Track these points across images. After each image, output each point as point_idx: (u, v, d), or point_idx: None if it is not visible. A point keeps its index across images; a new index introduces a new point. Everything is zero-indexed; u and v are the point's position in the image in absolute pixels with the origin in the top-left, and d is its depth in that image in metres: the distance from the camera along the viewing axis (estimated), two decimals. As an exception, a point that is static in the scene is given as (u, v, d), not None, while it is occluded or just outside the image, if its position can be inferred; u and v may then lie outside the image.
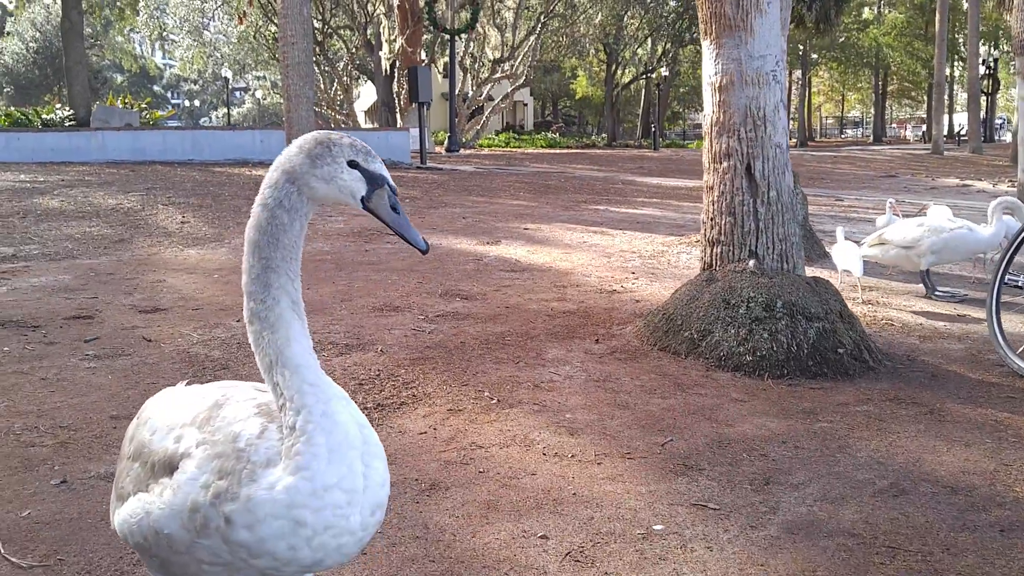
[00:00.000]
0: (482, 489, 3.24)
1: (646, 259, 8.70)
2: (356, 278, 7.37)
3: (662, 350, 5.14)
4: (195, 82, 71.73)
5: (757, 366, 4.72)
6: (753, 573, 2.66)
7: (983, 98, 43.31)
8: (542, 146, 38.95)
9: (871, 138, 62.59)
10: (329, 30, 37.57)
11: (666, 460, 3.54)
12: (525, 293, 6.84)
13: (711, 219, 5.56)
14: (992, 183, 19.98)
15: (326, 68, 37.39)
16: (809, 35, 33.10)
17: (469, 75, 37.22)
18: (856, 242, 7.01)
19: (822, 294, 5.04)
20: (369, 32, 35.79)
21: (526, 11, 39.69)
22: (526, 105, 56.11)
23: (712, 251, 5.55)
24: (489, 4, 36.20)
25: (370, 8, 35.09)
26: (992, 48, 51.40)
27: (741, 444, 3.72)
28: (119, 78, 65.36)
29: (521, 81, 38.85)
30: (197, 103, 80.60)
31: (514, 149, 36.29)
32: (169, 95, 79.30)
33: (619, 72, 52.26)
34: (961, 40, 48.68)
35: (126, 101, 27.65)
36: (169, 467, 1.68)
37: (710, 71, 5.49)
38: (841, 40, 49.50)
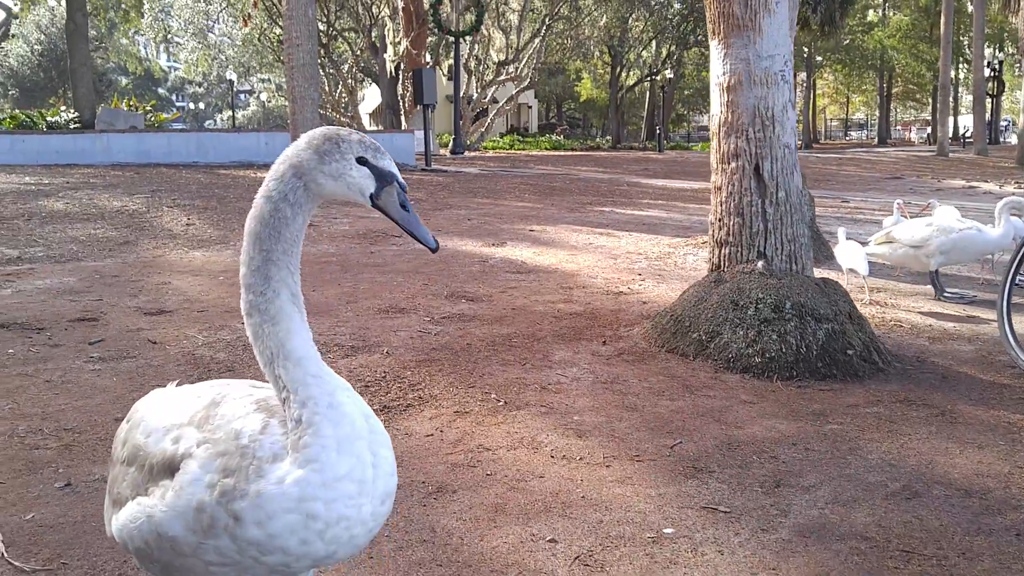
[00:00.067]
0: (490, 492, 3.21)
1: (652, 260, 8.67)
2: (361, 280, 7.34)
3: (670, 352, 5.11)
4: (200, 85, 71.87)
5: (766, 368, 4.69)
6: (765, 577, 2.62)
7: (988, 100, 43.21)
8: (546, 148, 38.92)
9: (876, 140, 62.51)
10: (334, 32, 37.60)
11: (675, 462, 3.51)
12: (531, 295, 6.80)
13: (719, 220, 5.53)
14: (998, 184, 19.91)
15: (331, 70, 37.39)
16: (814, 37, 33.04)
17: (473, 77, 37.26)
18: (862, 243, 6.98)
19: (831, 295, 5.00)
20: (374, 34, 35.82)
21: (531, 13, 39.70)
22: (530, 107, 56.11)
23: (720, 252, 5.52)
24: (494, 6, 36.23)
25: (375, 10, 35.14)
26: (997, 50, 51.29)
27: (751, 446, 3.68)
28: (124, 80, 65.51)
29: (526, 83, 38.83)
30: (202, 106, 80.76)
31: (518, 151, 36.27)
32: (174, 98, 79.46)
33: (623, 74, 52.23)
34: (966, 42, 48.59)
35: (131, 104, 27.68)
36: (169, 469, 1.65)
37: (718, 71, 5.45)
38: (846, 42, 49.42)
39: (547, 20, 38.08)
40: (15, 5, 41.00)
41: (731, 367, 4.77)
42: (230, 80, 51.81)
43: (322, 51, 31.71)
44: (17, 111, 27.30)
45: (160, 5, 40.89)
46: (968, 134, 47.02)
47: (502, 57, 38.33)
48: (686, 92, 57.54)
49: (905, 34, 52.70)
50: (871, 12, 56.14)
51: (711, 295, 5.17)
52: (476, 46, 36.64)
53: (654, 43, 49.91)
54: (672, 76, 48.66)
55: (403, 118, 30.70)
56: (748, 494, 3.20)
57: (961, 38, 48.41)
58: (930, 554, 2.75)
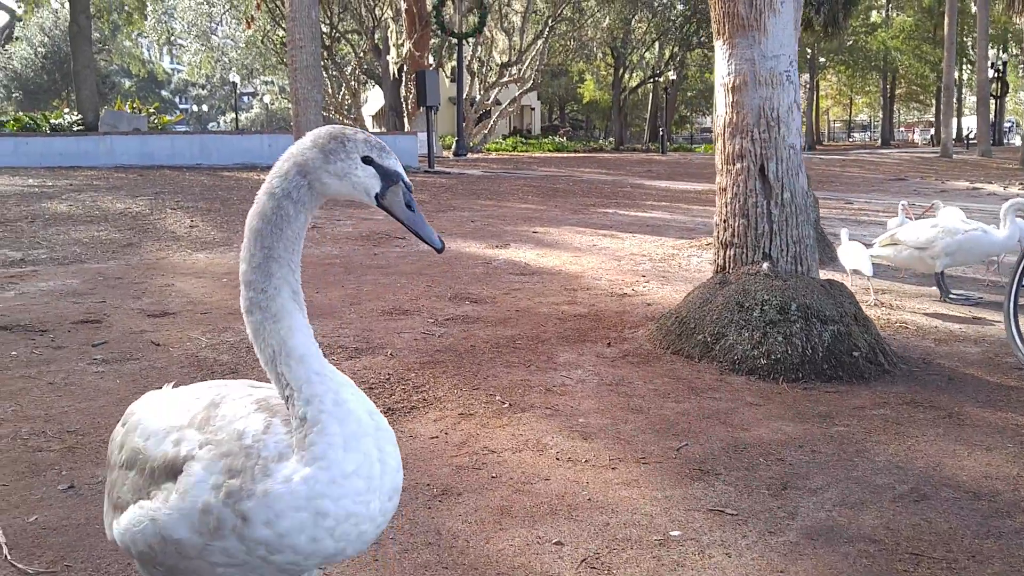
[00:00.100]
0: (495, 494, 3.19)
1: (656, 262, 8.65)
2: (365, 282, 7.33)
3: (675, 353, 5.08)
4: (203, 87, 71.90)
5: (772, 369, 4.66)
6: (773, 581, 2.60)
7: (992, 101, 43.14)
8: (549, 150, 38.89)
9: (879, 142, 62.41)
10: (337, 34, 37.61)
11: (682, 465, 3.49)
12: (535, 296, 6.79)
13: (724, 221, 5.51)
14: (1002, 186, 19.88)
15: (334, 73, 37.43)
16: (817, 38, 33.02)
17: (477, 79, 37.24)
18: (866, 244, 6.96)
19: (837, 297, 4.98)
20: (377, 36, 35.81)
21: (534, 15, 39.69)
22: (533, 109, 56.11)
23: (725, 253, 5.49)
24: (497, 8, 36.22)
25: (378, 12, 35.13)
26: (1001, 51, 51.23)
27: (757, 448, 3.66)
28: (127, 83, 65.57)
29: (528, 85, 38.80)
30: (205, 108, 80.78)
31: (521, 153, 36.27)
32: (177, 100, 79.57)
33: (626, 76, 52.20)
34: (970, 43, 48.46)
35: (134, 106, 27.68)
36: (172, 471, 1.64)
37: (723, 71, 5.43)
38: (849, 43, 49.36)
39: (550, 22, 38.04)
40: (18, 7, 41.08)
41: (736, 369, 4.75)
42: (233, 82, 51.80)
43: (325, 53, 31.76)
44: (21, 113, 27.36)
45: (163, 7, 40.91)
46: (972, 135, 46.95)
47: (505, 59, 38.31)
48: (689, 94, 57.49)
49: (908, 35, 52.59)
50: (874, 13, 56.04)
51: (716, 297, 5.15)
52: (479, 48, 36.57)
53: (657, 44, 49.88)
54: (675, 78, 48.60)
55: (406, 120, 30.69)
56: (755, 496, 3.18)
57: (965, 39, 48.29)
58: (939, 557, 2.73)
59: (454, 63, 31.07)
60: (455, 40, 28.81)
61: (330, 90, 36.97)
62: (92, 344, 5.19)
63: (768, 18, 5.21)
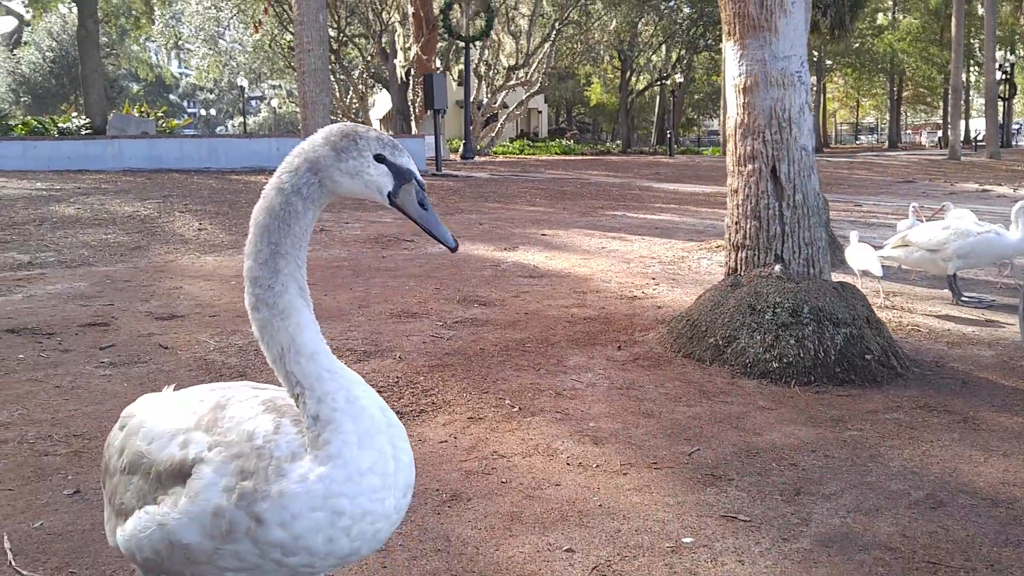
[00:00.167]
0: (505, 500, 3.15)
1: (666, 265, 8.60)
2: (373, 284, 7.30)
3: (686, 357, 5.04)
4: (211, 91, 72.08)
5: (784, 373, 4.62)
6: (789, 588, 2.56)
7: (1000, 103, 42.93)
8: (556, 153, 38.86)
9: (886, 144, 62.17)
10: (344, 38, 37.61)
11: (693, 470, 3.45)
12: (544, 299, 6.75)
13: (736, 223, 5.46)
14: (1012, 188, 19.76)
15: (341, 76, 37.42)
16: (824, 41, 32.85)
17: (484, 82, 37.18)
18: (875, 247, 6.91)
19: (849, 299, 4.93)
20: (384, 40, 35.82)
21: (540, 18, 39.62)
22: (540, 112, 56.04)
23: (737, 255, 5.45)
24: (504, 11, 36.21)
25: (385, 16, 35.13)
26: (1009, 53, 51.00)
27: (770, 453, 3.62)
28: (135, 87, 65.71)
29: (535, 88, 38.78)
30: (213, 112, 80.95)
31: (528, 156, 36.25)
32: (185, 104, 79.71)
33: (633, 79, 52.13)
34: (977, 45, 48.34)
35: (142, 110, 27.77)
36: (179, 475, 1.61)
37: (734, 72, 5.39)
38: (856, 46, 49.21)
39: (557, 25, 38.00)
40: (27, 12, 41.22)
41: (748, 372, 4.70)
42: (241, 86, 51.89)
43: (333, 57, 31.74)
44: (29, 117, 27.43)
45: (171, 12, 40.97)
46: (980, 137, 46.77)
47: (512, 62, 38.24)
48: (696, 96, 57.44)
49: (915, 37, 52.41)
50: (881, 15, 55.88)
51: (728, 299, 5.11)
52: (486, 51, 36.57)
53: (664, 47, 49.80)
54: (682, 80, 48.50)
55: (414, 123, 30.70)
56: (768, 502, 3.14)
57: (972, 41, 48.14)
58: (957, 566, 2.68)
59: (461, 67, 31.10)
60: (462, 44, 28.84)
61: (338, 94, 36.98)
62: (99, 347, 5.17)
63: (779, 18, 5.17)
